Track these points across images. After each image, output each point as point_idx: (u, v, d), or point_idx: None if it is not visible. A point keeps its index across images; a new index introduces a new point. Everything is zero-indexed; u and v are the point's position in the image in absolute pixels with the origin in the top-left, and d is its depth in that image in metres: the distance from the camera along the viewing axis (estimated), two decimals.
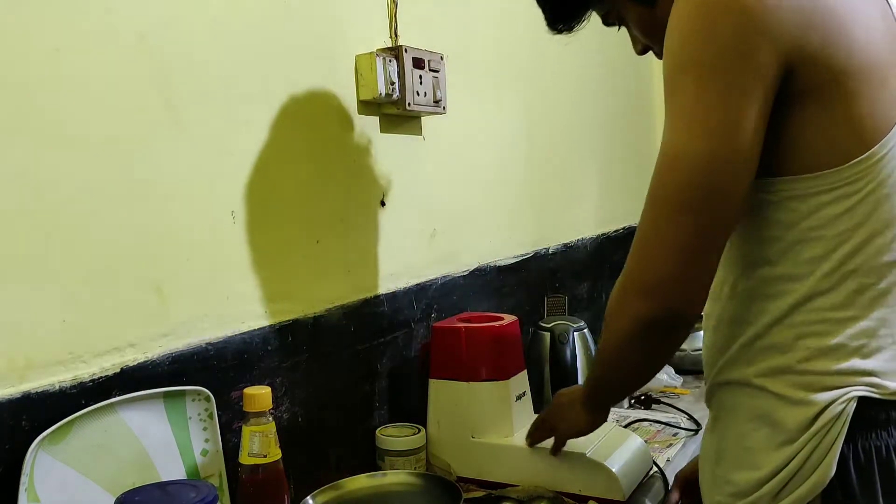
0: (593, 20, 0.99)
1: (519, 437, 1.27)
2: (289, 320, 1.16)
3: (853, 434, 0.75)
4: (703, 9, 0.73)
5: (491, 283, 1.68)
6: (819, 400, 0.76)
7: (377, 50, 1.32)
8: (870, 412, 0.75)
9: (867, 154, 0.74)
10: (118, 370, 0.92)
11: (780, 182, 0.77)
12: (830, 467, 0.74)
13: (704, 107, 0.73)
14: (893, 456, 0.75)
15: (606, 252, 2.30)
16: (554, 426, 1.15)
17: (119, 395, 0.91)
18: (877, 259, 0.76)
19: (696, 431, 1.47)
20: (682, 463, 1.29)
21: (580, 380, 1.55)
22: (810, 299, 0.77)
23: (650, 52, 0.95)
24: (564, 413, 1.11)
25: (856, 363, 0.76)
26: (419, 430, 1.28)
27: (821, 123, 0.74)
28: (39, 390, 0.84)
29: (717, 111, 0.72)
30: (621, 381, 0.95)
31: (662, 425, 1.51)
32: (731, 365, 0.85)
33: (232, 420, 1.04)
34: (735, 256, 0.84)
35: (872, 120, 0.74)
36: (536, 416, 1.22)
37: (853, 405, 0.75)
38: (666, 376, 1.72)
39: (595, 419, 1.07)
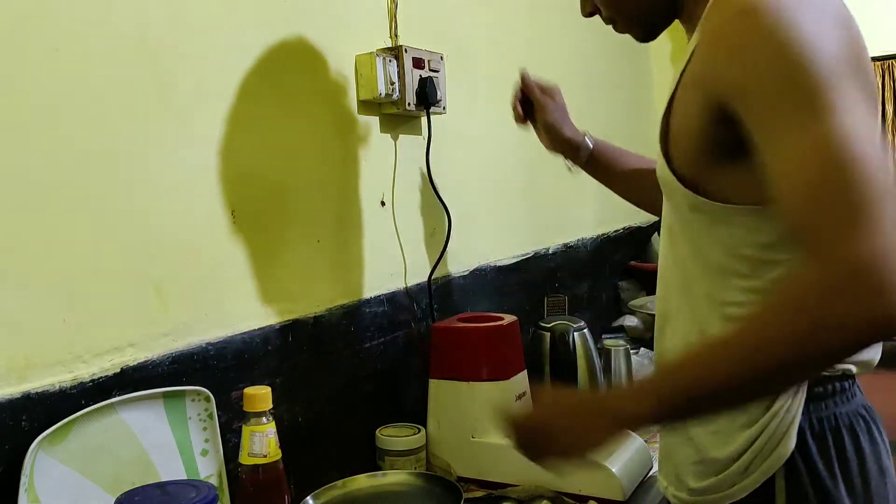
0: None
1: None
2: (289, 320, 1.16)
3: (807, 407, 0.83)
4: (820, 13, 0.72)
5: (491, 283, 1.68)
6: None
7: (377, 50, 1.32)
8: (819, 387, 0.84)
9: None
10: (118, 370, 0.92)
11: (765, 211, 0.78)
12: (791, 439, 0.82)
13: (870, 114, 0.71)
14: (841, 422, 0.83)
15: (606, 252, 2.30)
16: (553, 440, 0.81)
17: (119, 395, 0.91)
18: None
19: None
20: None
21: (580, 380, 1.54)
22: None
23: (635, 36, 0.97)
24: (577, 424, 0.79)
25: None
26: (419, 430, 1.28)
27: None
28: (39, 390, 0.84)
29: (874, 122, 0.71)
30: (755, 391, 0.74)
31: None
32: None
33: (232, 420, 1.04)
34: (700, 261, 0.85)
35: None
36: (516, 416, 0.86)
37: (806, 382, 0.82)
38: None
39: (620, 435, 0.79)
